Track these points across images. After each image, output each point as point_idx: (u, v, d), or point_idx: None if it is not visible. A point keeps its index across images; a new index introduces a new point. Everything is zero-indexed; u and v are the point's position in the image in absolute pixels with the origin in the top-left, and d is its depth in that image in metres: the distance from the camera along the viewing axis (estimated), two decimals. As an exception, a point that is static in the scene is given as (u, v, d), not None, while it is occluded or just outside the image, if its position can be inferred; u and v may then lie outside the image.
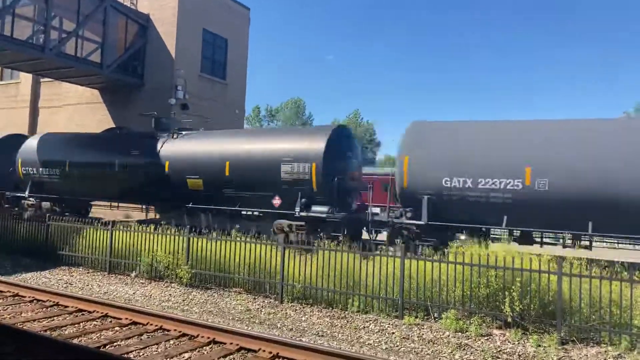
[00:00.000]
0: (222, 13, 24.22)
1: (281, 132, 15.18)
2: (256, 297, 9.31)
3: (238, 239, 10.12)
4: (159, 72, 21.85)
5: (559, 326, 7.10)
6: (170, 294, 9.53)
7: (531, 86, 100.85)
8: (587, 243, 11.02)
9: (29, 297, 8.54)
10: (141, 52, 22.30)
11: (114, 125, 22.80)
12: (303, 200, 12.93)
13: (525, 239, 11.39)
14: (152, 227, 11.15)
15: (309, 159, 12.88)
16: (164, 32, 21.96)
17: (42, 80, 25.84)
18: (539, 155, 10.72)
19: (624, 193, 9.81)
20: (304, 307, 8.69)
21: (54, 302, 8.21)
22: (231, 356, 6.07)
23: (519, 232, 11.44)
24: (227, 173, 14.21)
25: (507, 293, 7.51)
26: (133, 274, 10.93)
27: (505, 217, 10.89)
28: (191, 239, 10.36)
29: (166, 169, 15.50)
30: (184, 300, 9.11)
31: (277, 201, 13.43)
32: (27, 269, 11.57)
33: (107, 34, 20.45)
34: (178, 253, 10.42)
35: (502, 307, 7.50)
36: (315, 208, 12.82)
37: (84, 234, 11.95)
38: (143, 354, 6.01)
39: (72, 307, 7.95)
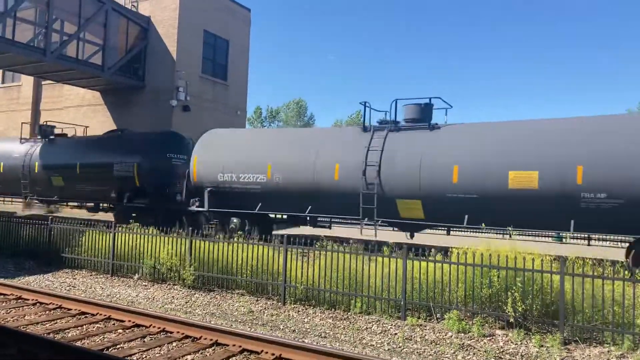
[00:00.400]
0: (223, 15, 24.27)
1: (118, 137, 18.85)
2: (259, 298, 9.34)
3: (241, 240, 10.16)
4: (160, 74, 21.91)
5: (561, 326, 7.11)
6: (173, 296, 9.57)
7: (539, 86, 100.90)
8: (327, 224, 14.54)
9: (32, 299, 8.58)
10: (142, 54, 22.37)
11: (115, 127, 22.95)
12: (128, 193, 16.57)
13: (294, 221, 15.16)
14: (154, 229, 11.19)
15: (133, 159, 16.59)
16: (164, 33, 22.02)
17: (43, 82, 25.92)
18: (276, 156, 13.92)
19: (324, 186, 12.95)
20: (306, 309, 8.72)
21: (57, 304, 8.25)
22: (234, 358, 6.09)
23: (285, 215, 14.82)
24: (78, 172, 18.00)
25: (509, 293, 7.52)
26: (136, 277, 10.97)
27: (260, 204, 13.91)
28: (194, 240, 10.40)
29: (35, 169, 19.30)
30: (186, 303, 9.15)
31: (113, 194, 16.92)
32: (30, 271, 11.63)
33: (108, 36, 20.54)
34: (181, 255, 10.46)
35: (505, 308, 7.51)
36: (138, 200, 16.53)
37: (87, 236, 12.00)
38: (146, 356, 6.04)
39: (75, 309, 7.99)
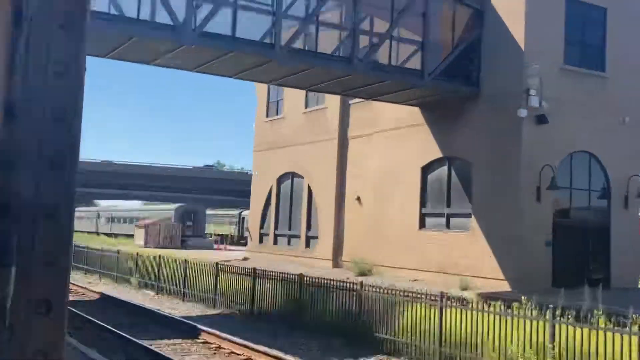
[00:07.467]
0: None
1: None
2: None
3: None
4: (501, 73, 22.15)
5: None
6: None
7: None
8: None
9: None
10: (475, 47, 23.12)
11: (439, 151, 24.06)
12: None
13: None
14: (499, 304, 11.09)
15: None
16: (507, 13, 22.27)
17: (351, 102, 29.25)
18: None
19: None
20: None
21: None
22: None
23: None
24: None
25: None
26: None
27: None
28: (558, 325, 9.86)
29: None
30: None
31: None
32: (338, 353, 12.87)
33: (428, 30, 21.93)
34: (538, 346, 10.05)
35: None
36: None
37: (405, 310, 12.66)
38: None
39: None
